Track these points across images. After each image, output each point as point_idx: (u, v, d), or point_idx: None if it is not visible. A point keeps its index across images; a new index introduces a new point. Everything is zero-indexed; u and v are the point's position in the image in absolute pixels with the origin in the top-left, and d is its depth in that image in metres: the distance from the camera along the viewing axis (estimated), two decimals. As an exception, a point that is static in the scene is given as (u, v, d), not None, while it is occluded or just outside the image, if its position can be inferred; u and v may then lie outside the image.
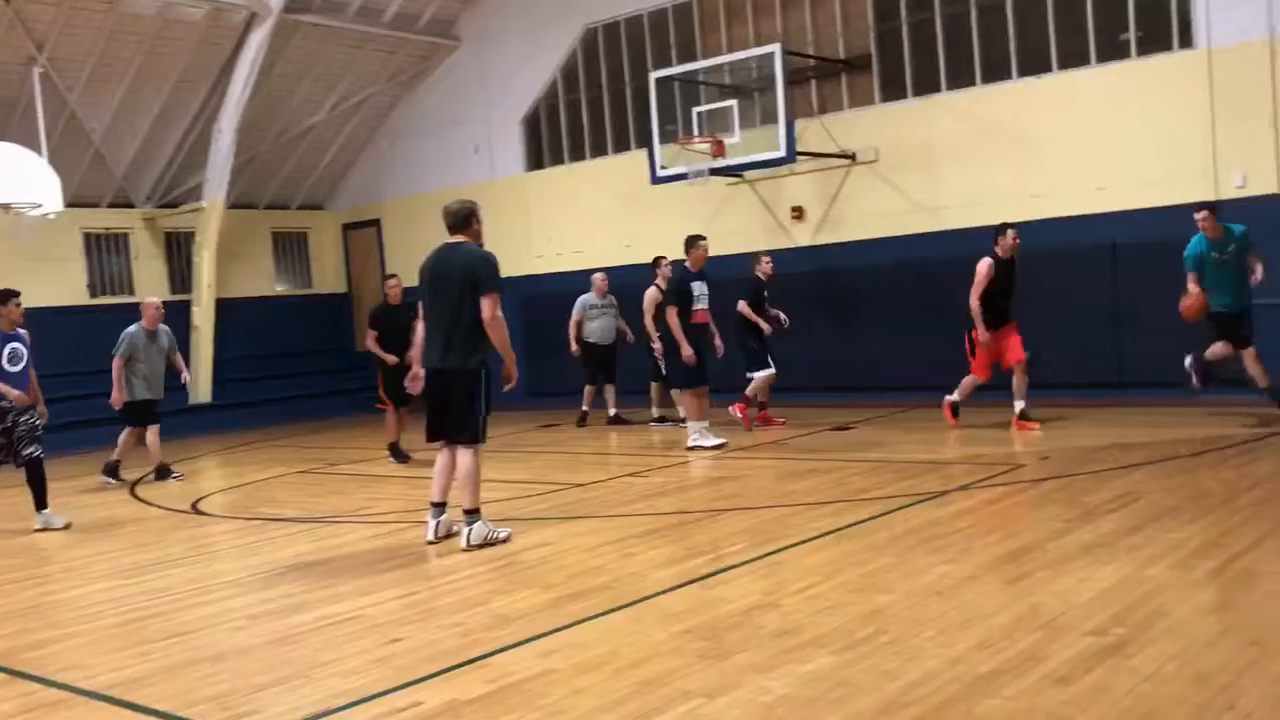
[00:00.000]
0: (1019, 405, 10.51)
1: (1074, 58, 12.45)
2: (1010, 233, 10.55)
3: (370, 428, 13.83)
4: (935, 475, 7.57)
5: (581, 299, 13.55)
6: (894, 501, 7.37)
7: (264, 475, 11.54)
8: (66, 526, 8.95)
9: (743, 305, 11.82)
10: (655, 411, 13.21)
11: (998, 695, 3.81)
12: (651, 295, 12.16)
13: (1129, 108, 11.95)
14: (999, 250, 10.49)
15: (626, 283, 13.77)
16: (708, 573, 5.83)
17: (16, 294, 9.02)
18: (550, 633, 4.95)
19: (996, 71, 13.01)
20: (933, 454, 9.54)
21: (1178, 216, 10.54)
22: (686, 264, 10.97)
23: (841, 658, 4.31)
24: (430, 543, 7.07)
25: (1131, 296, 11.82)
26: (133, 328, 11.42)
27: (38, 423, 8.96)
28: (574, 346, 13.44)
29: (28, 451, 8.83)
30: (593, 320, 13.47)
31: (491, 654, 4.69)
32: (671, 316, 10.71)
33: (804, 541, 6.42)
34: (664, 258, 12.54)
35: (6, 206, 14.09)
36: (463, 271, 6.87)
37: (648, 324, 12.16)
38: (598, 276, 13.67)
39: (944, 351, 11.37)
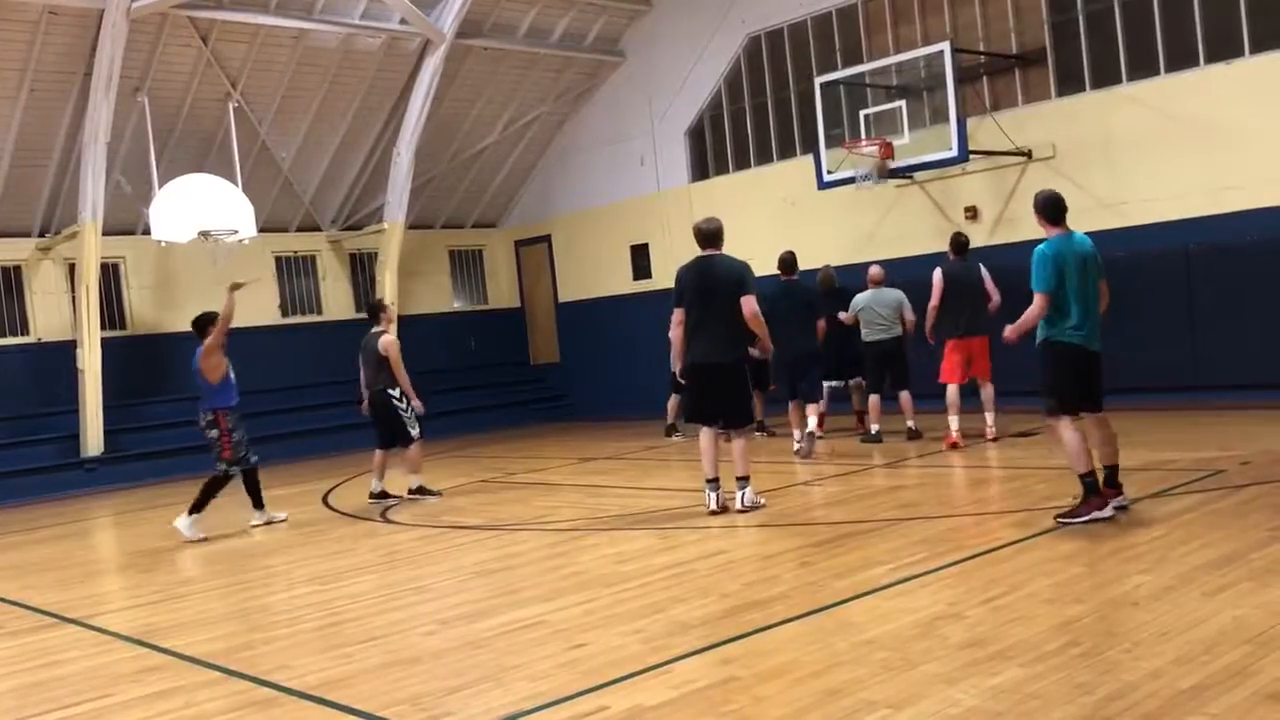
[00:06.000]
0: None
1: (1270, 39, 11.75)
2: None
3: (548, 437, 14.08)
4: (1125, 482, 7.25)
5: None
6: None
7: (446, 484, 11.91)
8: (284, 519, 10.23)
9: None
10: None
11: (1202, 712, 3.63)
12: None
13: (1332, 89, 11.23)
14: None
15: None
16: (888, 583, 5.75)
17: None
18: (730, 640, 4.97)
19: (1182, 59, 12.40)
20: (1121, 460, 9.13)
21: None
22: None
23: (1032, 670, 4.19)
24: (713, 513, 8.05)
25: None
26: None
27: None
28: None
29: (253, 460, 9.95)
30: None
31: (673, 660, 4.74)
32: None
33: (987, 551, 6.26)
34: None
35: (206, 234, 15.08)
36: (730, 278, 8.10)
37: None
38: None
39: (1127, 352, 10.87)
